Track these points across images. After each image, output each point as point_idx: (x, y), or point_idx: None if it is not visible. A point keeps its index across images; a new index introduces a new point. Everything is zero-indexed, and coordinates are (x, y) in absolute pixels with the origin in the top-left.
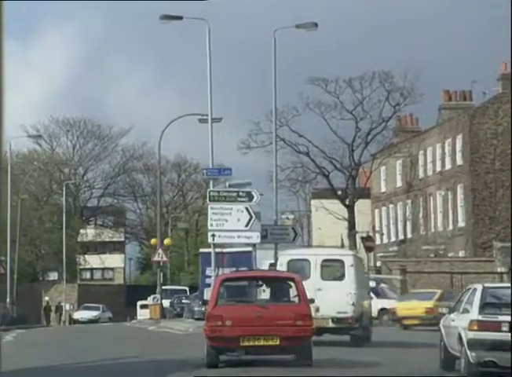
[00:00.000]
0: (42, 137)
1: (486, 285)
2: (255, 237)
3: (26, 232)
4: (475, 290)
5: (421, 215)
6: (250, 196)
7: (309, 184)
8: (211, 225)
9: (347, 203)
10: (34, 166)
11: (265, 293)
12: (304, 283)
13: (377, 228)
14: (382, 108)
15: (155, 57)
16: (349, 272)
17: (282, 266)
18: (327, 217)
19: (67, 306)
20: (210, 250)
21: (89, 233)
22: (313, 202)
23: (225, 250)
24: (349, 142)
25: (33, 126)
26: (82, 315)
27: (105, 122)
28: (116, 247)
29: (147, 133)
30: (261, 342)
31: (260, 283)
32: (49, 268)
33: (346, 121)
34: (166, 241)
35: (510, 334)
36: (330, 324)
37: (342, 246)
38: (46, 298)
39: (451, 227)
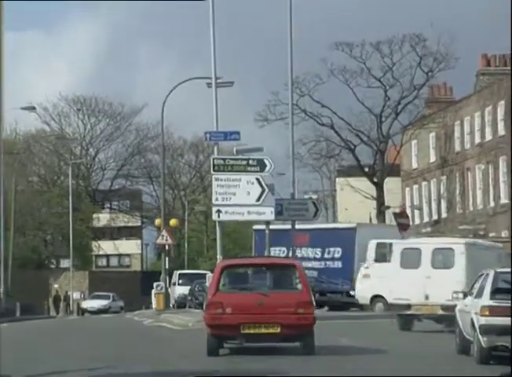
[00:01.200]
0: (35, 110)
1: (498, 270)
2: (268, 213)
3: (33, 216)
4: (487, 275)
5: (457, 192)
6: (261, 165)
7: (334, 161)
8: (216, 199)
9: (375, 180)
10: (42, 146)
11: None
12: (413, 271)
13: (415, 203)
14: (413, 75)
15: (167, 30)
16: (459, 260)
17: (394, 254)
18: (353, 197)
19: (78, 295)
20: (277, 226)
21: (102, 218)
22: (338, 180)
23: (307, 226)
24: (377, 113)
25: (40, 104)
26: (90, 304)
27: (117, 100)
28: (132, 233)
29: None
30: (262, 330)
31: (263, 269)
32: (58, 254)
33: (374, 89)
34: (172, 222)
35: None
36: (440, 312)
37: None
38: (56, 286)
39: (492, 204)
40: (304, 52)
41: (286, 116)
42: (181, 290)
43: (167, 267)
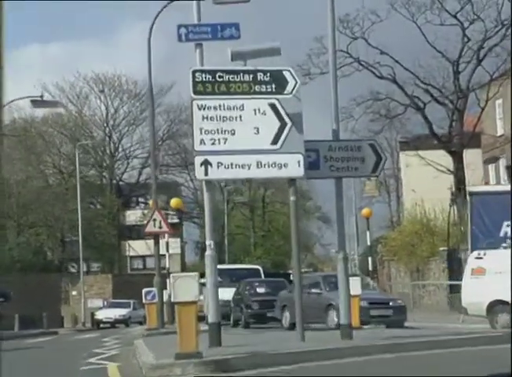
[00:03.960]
0: (42, 100)
1: None
2: (293, 166)
3: (45, 211)
4: None
5: None
6: (279, 81)
7: (397, 127)
8: (201, 142)
9: (452, 148)
10: (55, 132)
11: None
12: None
13: (501, 182)
14: (500, 8)
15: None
16: None
17: None
18: (422, 175)
19: (100, 303)
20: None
21: (132, 214)
22: (402, 156)
23: None
24: (453, 59)
25: (56, 85)
26: (106, 314)
27: (143, 79)
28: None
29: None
30: None
31: None
32: (74, 256)
33: (449, 28)
34: (174, 202)
35: None
36: None
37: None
38: (74, 294)
39: None
40: None
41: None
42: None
43: (168, 267)
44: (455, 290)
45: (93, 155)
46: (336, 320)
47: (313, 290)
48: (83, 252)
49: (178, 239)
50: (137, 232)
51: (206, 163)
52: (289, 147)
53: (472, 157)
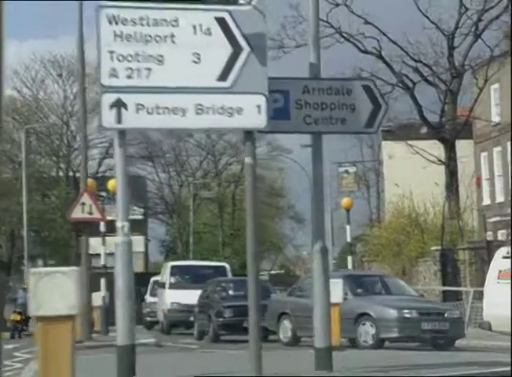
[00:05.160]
0: None
1: None
2: (251, 113)
3: None
4: None
5: None
6: None
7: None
8: (111, 73)
9: (444, 136)
10: (8, 117)
11: None
12: None
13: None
14: None
15: None
16: None
17: None
18: (407, 167)
19: None
20: None
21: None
22: (385, 146)
23: None
24: (447, 31)
25: (9, 67)
26: None
27: None
28: (134, 227)
29: None
30: None
31: None
32: (32, 254)
33: None
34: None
35: None
36: None
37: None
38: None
39: None
40: None
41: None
42: (177, 296)
43: (103, 263)
44: (449, 298)
45: (48, 144)
46: (372, 333)
47: None
48: (36, 248)
49: (142, 237)
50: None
51: (118, 105)
52: (245, 84)
53: (463, 149)
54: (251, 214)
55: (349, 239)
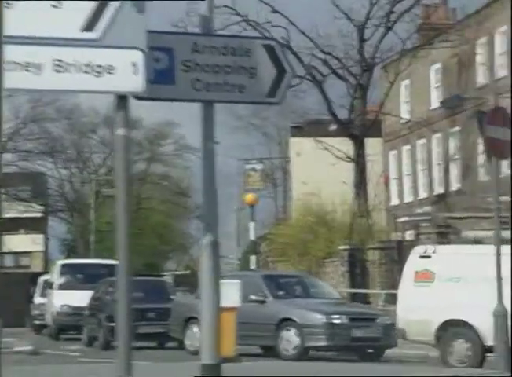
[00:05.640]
0: None
1: None
2: (125, 72)
3: None
4: None
5: (481, 148)
6: None
7: (288, 107)
8: None
9: (354, 132)
10: None
11: None
12: None
13: (405, 172)
14: None
15: None
16: None
17: None
18: (315, 165)
19: None
20: None
21: None
22: (293, 143)
23: None
24: (358, 23)
25: None
26: None
27: None
28: (33, 225)
29: None
30: None
31: None
32: None
33: None
34: None
35: None
36: None
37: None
38: None
39: None
40: None
41: (220, 27)
42: (67, 298)
43: None
44: (358, 300)
45: None
46: (297, 342)
47: (253, 298)
48: None
49: (41, 236)
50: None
51: None
52: (117, 37)
53: (373, 147)
54: (123, 196)
55: (252, 238)
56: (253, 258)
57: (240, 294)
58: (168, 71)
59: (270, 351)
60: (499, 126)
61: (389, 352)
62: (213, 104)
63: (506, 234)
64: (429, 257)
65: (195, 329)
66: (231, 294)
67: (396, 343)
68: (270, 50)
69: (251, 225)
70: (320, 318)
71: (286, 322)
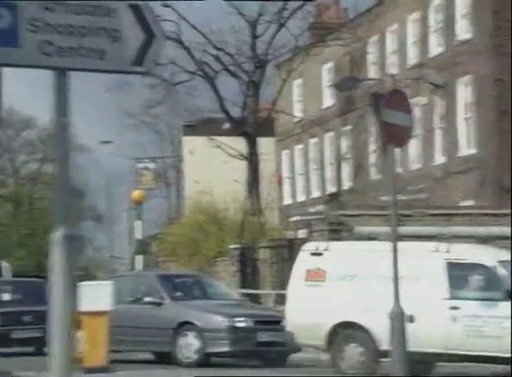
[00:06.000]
0: None
1: None
2: None
3: None
4: None
5: (375, 146)
6: None
7: (180, 104)
8: None
9: (247, 130)
10: None
11: None
12: None
13: (298, 172)
14: None
15: None
16: None
17: None
18: (208, 163)
19: None
20: None
21: None
22: (186, 141)
23: None
24: (250, 18)
25: None
26: None
27: None
28: None
29: None
30: None
31: None
32: None
33: None
34: None
35: None
36: None
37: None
38: None
39: (442, 159)
40: None
41: None
42: None
43: None
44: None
45: None
46: (197, 347)
47: (148, 299)
48: None
49: None
50: None
51: None
52: None
53: (266, 146)
54: None
55: (139, 237)
56: (140, 258)
57: (112, 296)
58: (10, 31)
59: (166, 358)
60: (397, 110)
61: (294, 357)
62: (67, 72)
63: (402, 230)
64: (320, 254)
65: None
66: (102, 296)
67: (301, 348)
68: (137, 11)
69: (138, 223)
70: (222, 321)
71: (185, 326)
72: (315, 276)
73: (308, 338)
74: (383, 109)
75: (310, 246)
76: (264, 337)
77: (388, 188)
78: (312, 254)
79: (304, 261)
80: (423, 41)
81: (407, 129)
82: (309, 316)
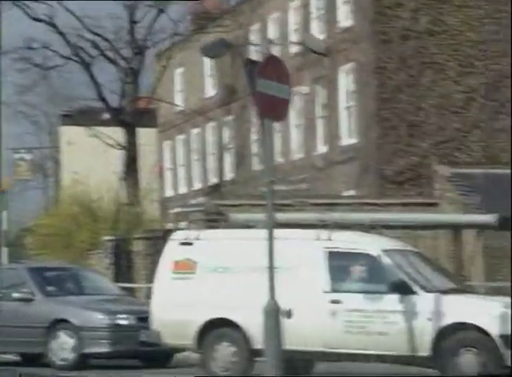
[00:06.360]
0: None
1: None
2: None
3: None
4: None
5: (255, 138)
6: None
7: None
8: None
9: (126, 119)
10: None
11: None
12: None
13: (181, 163)
14: None
15: None
16: None
17: None
18: (87, 153)
19: None
20: None
21: None
22: (64, 130)
23: None
24: (128, 3)
25: None
26: None
27: None
28: None
29: None
30: None
31: None
32: None
33: None
34: None
35: None
36: None
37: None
38: None
39: (324, 148)
40: None
41: None
42: None
43: None
44: None
45: None
46: (72, 348)
47: (17, 295)
48: None
49: None
50: None
51: None
52: None
53: (148, 137)
54: None
55: (4, 228)
56: (5, 251)
57: None
58: None
59: (38, 359)
60: (273, 80)
61: (179, 356)
62: None
63: (281, 217)
64: (190, 244)
65: None
66: None
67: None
68: None
69: (4, 214)
70: (101, 319)
71: (59, 324)
72: (184, 267)
73: (176, 337)
74: (257, 79)
75: (179, 235)
76: (147, 335)
77: (266, 165)
78: (182, 244)
79: (172, 251)
80: (305, 28)
81: (283, 101)
82: (176, 313)
